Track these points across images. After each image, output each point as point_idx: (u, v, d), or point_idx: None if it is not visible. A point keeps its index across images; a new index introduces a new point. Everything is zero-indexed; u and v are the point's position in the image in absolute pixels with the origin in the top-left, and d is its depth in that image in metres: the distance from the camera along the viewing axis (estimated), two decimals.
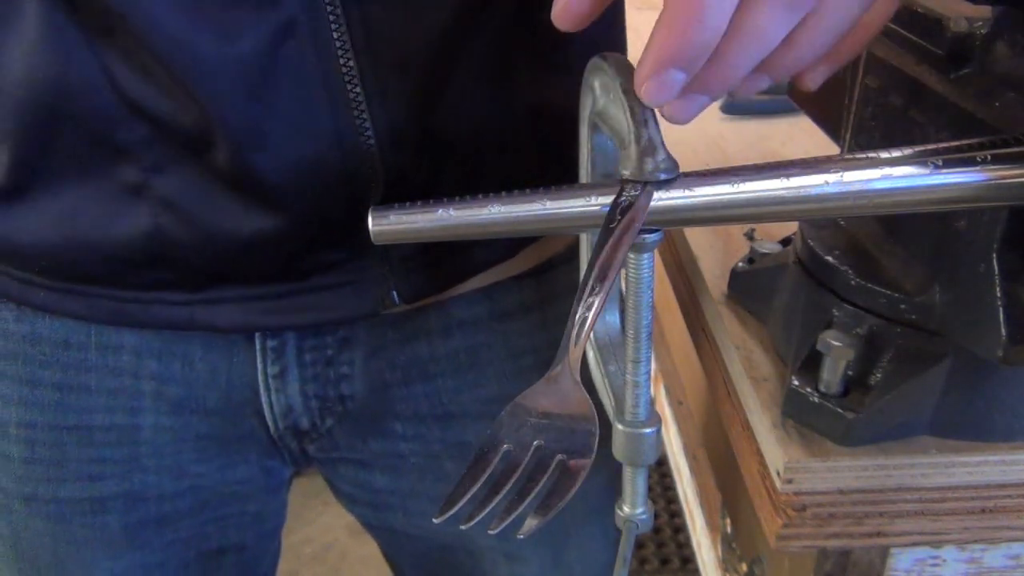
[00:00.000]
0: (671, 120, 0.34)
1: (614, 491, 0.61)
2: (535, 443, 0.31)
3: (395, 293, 0.51)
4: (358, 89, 0.45)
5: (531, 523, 0.30)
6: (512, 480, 0.31)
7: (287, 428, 0.57)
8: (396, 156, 0.47)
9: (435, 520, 0.30)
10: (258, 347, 0.54)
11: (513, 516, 0.31)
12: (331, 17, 0.43)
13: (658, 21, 0.31)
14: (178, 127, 0.45)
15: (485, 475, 0.31)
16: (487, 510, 0.31)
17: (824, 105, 0.57)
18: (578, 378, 0.32)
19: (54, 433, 0.56)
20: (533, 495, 0.31)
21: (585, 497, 0.63)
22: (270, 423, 0.57)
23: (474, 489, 0.31)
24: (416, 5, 0.44)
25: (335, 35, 0.43)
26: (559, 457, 0.31)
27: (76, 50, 0.43)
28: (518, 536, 0.30)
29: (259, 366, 0.55)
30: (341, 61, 0.44)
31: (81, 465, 0.56)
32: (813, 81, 0.38)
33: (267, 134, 0.45)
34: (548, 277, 0.59)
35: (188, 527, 0.61)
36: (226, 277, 0.50)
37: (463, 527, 0.31)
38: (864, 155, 0.34)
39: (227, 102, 0.44)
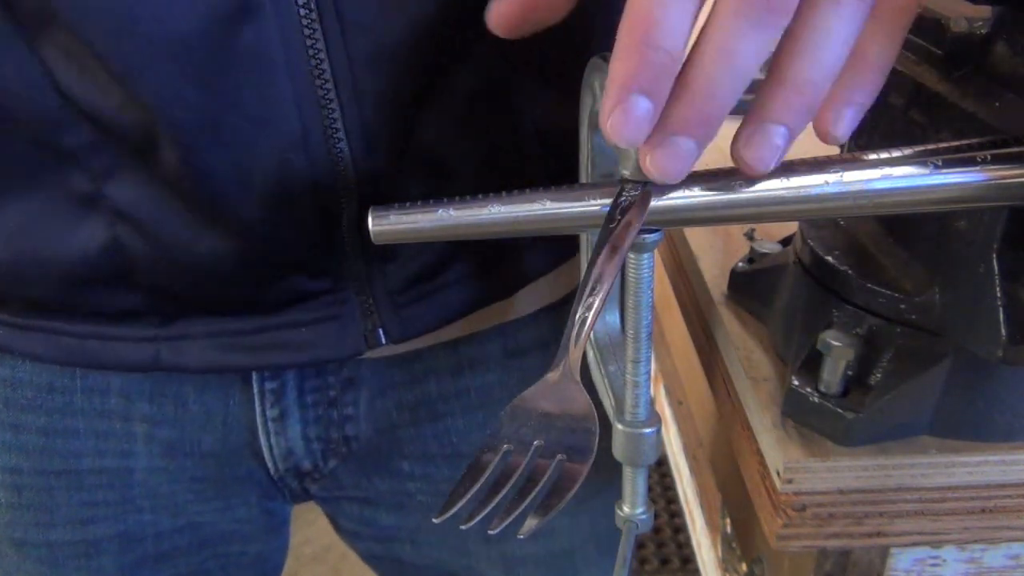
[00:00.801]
0: (662, 178, 0.31)
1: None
2: (535, 443, 0.31)
3: (381, 331, 0.47)
4: (329, 84, 0.40)
5: (531, 523, 0.30)
6: (512, 480, 0.31)
7: (288, 470, 0.55)
8: (372, 164, 0.42)
9: (435, 520, 0.29)
10: (255, 389, 0.51)
11: (513, 516, 0.30)
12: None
13: (614, 49, 0.29)
14: (122, 127, 0.40)
15: (485, 475, 0.31)
16: (487, 510, 0.31)
17: None
18: (578, 378, 0.32)
19: (41, 478, 0.53)
20: (533, 495, 0.30)
21: (597, 539, 0.62)
22: (270, 465, 0.55)
23: (474, 489, 0.31)
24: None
25: (303, 20, 0.39)
26: (559, 457, 0.31)
27: (11, 48, 0.39)
28: (518, 536, 0.30)
29: (257, 408, 0.52)
30: (310, 51, 0.39)
31: (71, 509, 0.54)
32: (837, 127, 0.32)
33: (220, 131, 0.40)
34: (566, 311, 0.55)
35: (187, 564, 0.59)
36: (192, 307, 0.46)
37: (463, 527, 0.31)
38: (864, 155, 0.34)
39: (172, 94, 0.38)
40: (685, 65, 0.29)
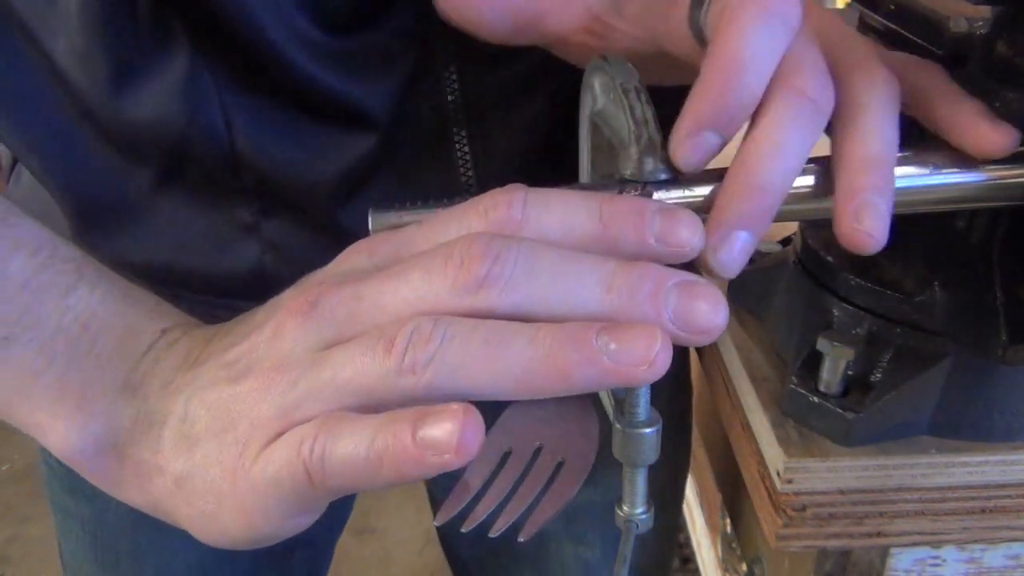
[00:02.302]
0: (724, 274, 0.30)
1: (680, 485, 0.59)
2: (536, 444, 0.31)
3: None
4: (471, 172, 0.50)
5: (533, 525, 0.30)
6: (514, 482, 0.31)
7: None
8: None
9: (436, 524, 0.29)
10: None
11: (515, 517, 0.30)
12: (456, 138, 0.49)
13: (696, 85, 0.31)
14: (283, 183, 0.49)
15: (486, 478, 0.31)
16: (488, 512, 0.31)
17: None
18: None
19: None
20: (535, 496, 0.30)
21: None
22: None
23: (475, 491, 0.31)
24: (524, 123, 0.51)
25: (457, 151, 0.50)
26: (560, 458, 0.31)
27: (205, 101, 0.46)
28: (519, 539, 0.30)
29: None
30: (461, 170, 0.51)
31: None
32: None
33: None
34: None
35: None
36: None
37: (464, 530, 0.31)
38: None
39: (323, 205, 0.49)
40: (740, 159, 0.31)
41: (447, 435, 0.25)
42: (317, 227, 0.51)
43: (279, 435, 0.28)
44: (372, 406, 0.28)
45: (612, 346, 0.26)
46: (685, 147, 0.31)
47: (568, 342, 0.26)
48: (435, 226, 0.30)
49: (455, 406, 0.26)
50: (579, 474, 0.30)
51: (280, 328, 0.29)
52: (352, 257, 0.31)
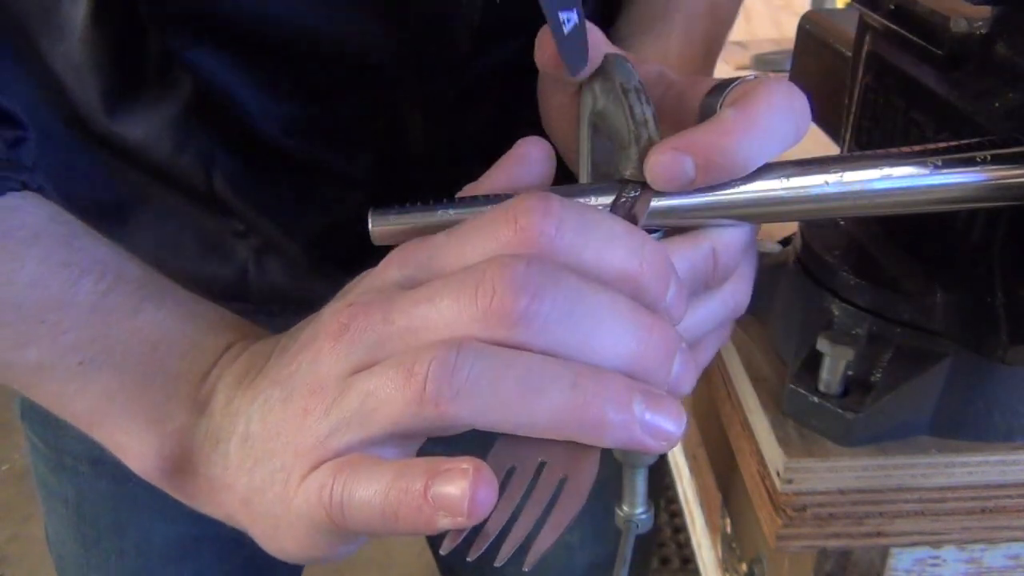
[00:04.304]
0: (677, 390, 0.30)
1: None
2: (539, 461, 0.31)
3: None
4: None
5: (539, 547, 0.29)
6: (517, 501, 0.30)
7: None
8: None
9: (441, 552, 0.29)
10: None
11: (520, 542, 0.30)
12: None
13: (709, 121, 0.31)
14: (263, 225, 0.51)
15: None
16: (495, 535, 0.30)
17: (824, 105, 0.57)
18: None
19: None
20: (540, 515, 0.30)
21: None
22: None
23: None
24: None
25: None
26: (563, 474, 0.30)
27: (192, 140, 0.47)
28: (524, 569, 0.29)
29: None
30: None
31: None
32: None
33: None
34: None
35: None
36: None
37: (470, 559, 0.29)
38: (864, 155, 0.34)
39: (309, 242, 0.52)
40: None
41: (459, 495, 0.25)
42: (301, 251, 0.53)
43: (315, 466, 0.28)
44: (400, 434, 0.27)
45: (647, 416, 0.26)
46: (664, 158, 0.31)
47: (609, 401, 0.26)
48: (464, 236, 0.29)
49: (466, 464, 0.25)
50: (581, 493, 0.30)
51: (318, 352, 0.29)
52: (385, 270, 0.31)
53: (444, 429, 0.27)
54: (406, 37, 0.45)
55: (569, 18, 0.31)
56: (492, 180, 0.33)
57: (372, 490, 0.26)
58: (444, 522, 0.25)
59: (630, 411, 0.26)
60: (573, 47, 0.31)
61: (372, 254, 0.50)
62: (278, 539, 0.30)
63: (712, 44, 0.52)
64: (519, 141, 0.34)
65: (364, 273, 0.32)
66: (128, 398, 0.33)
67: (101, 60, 0.45)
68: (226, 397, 0.33)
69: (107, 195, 0.51)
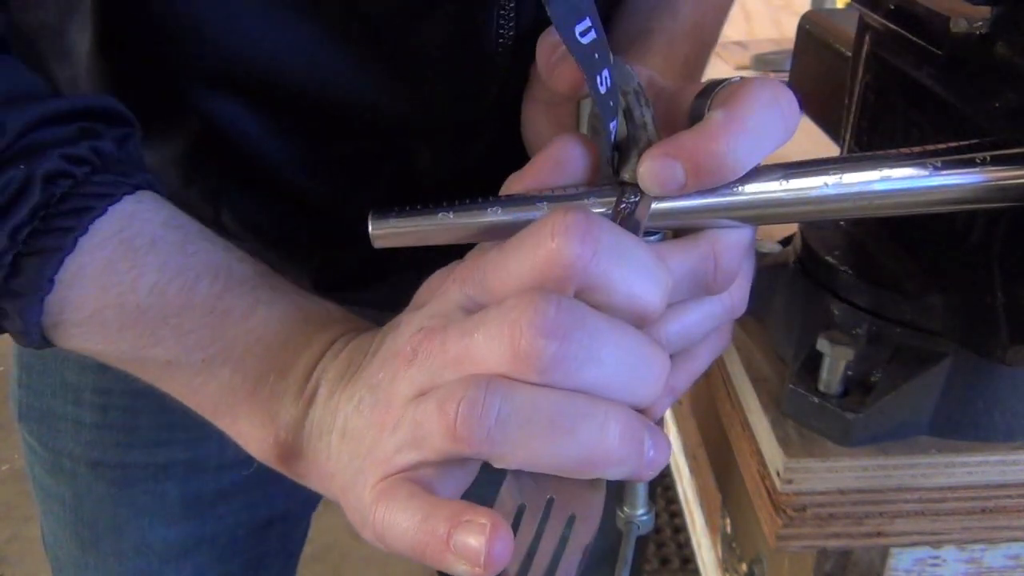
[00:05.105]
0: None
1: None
2: (548, 498, 0.31)
3: None
4: None
5: None
6: (531, 540, 0.30)
7: None
8: None
9: None
10: None
11: None
12: None
13: (699, 125, 0.32)
14: (270, 255, 0.50)
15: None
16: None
17: (824, 105, 0.57)
18: None
19: (128, 398, 0.58)
20: (553, 551, 0.30)
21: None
22: None
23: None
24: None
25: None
26: (571, 512, 0.30)
27: (199, 176, 0.49)
28: None
29: None
30: None
31: (150, 432, 0.59)
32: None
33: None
34: None
35: (241, 503, 0.63)
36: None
37: None
38: (864, 156, 0.34)
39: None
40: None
41: (477, 548, 0.27)
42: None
43: (383, 478, 0.30)
44: (446, 460, 0.29)
45: (652, 453, 0.29)
46: (654, 164, 0.32)
47: (631, 443, 0.28)
48: (509, 253, 0.30)
49: (484, 519, 0.27)
50: (590, 529, 0.30)
51: (395, 373, 0.31)
52: (449, 290, 0.32)
53: (477, 459, 0.29)
54: (420, 98, 0.46)
55: (584, 28, 0.31)
56: (530, 176, 0.35)
57: (405, 525, 0.29)
58: (463, 568, 0.27)
59: (643, 450, 0.29)
60: (589, 55, 0.32)
61: (378, 280, 0.50)
62: (365, 531, 0.32)
63: (694, 65, 0.52)
64: (554, 139, 0.35)
65: (433, 281, 0.35)
66: (248, 392, 0.36)
67: (106, 92, 0.45)
68: (328, 391, 0.35)
69: None
